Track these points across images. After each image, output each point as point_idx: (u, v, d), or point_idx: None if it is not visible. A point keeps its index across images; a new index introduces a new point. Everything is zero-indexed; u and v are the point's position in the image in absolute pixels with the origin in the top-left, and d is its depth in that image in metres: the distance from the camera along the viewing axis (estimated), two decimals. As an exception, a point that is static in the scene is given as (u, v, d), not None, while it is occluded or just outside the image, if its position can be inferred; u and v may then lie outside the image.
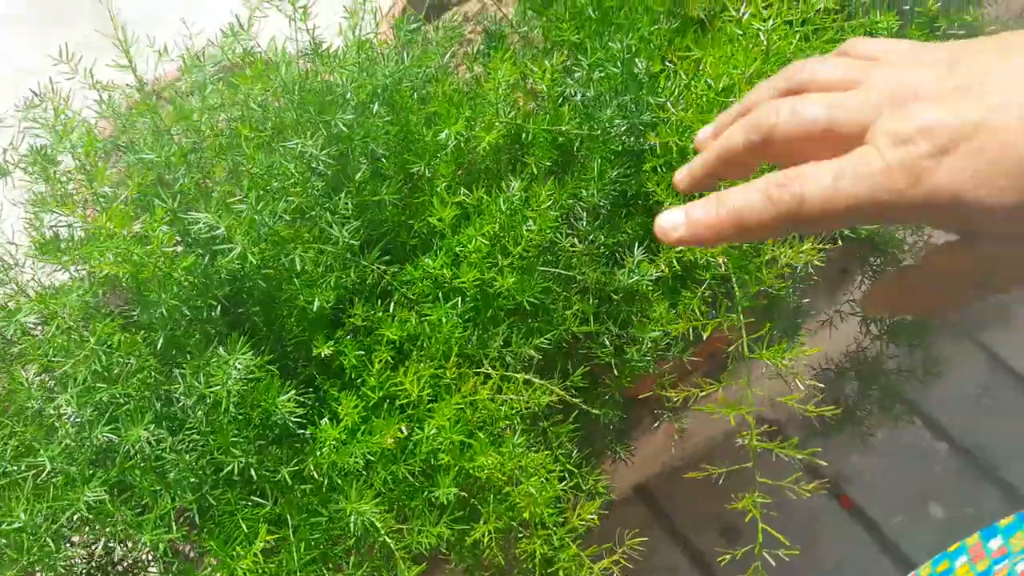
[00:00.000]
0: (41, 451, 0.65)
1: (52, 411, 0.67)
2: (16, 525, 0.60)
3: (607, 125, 0.80)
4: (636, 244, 0.80)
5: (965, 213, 0.32)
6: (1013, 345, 1.51)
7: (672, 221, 0.38)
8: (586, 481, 0.70)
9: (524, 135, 0.81)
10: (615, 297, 0.77)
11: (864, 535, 1.36)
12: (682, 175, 0.44)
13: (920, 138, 0.32)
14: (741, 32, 0.77)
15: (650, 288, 0.76)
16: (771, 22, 0.73)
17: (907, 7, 0.86)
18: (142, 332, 0.71)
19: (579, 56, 0.85)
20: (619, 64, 0.79)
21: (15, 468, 0.65)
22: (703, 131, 0.45)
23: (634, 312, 0.77)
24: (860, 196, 0.33)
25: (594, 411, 0.72)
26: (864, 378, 1.21)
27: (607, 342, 0.75)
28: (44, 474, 0.65)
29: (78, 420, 0.65)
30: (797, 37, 0.76)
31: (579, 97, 0.83)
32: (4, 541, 0.62)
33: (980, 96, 0.32)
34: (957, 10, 0.91)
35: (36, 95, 0.81)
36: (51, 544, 0.62)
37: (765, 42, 0.73)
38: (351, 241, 0.70)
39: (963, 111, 0.32)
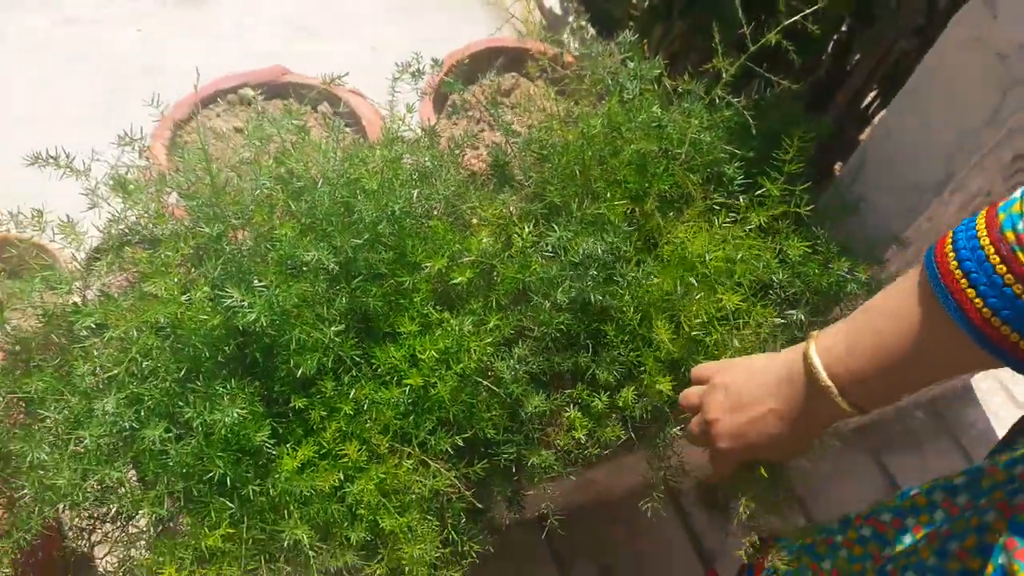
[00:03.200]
0: (84, 428, 0.91)
1: (98, 397, 0.93)
2: (61, 481, 0.86)
3: (558, 280, 1.05)
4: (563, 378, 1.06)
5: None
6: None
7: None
8: (462, 546, 0.97)
9: (495, 273, 1.06)
10: (523, 415, 1.03)
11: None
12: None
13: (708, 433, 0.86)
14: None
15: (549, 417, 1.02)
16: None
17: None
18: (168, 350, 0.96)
19: (557, 217, 1.10)
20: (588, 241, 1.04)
21: (66, 437, 0.91)
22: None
23: (535, 433, 1.02)
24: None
25: (479, 504, 0.98)
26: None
27: (509, 450, 1.01)
28: (82, 444, 0.91)
29: (115, 409, 0.91)
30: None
31: (549, 251, 1.07)
32: (48, 487, 0.88)
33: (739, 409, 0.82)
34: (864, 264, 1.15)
35: (126, 136, 1.06)
36: (80, 497, 0.88)
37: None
38: (336, 329, 0.95)
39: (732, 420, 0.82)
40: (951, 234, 0.64)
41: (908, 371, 0.68)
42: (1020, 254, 0.57)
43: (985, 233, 0.60)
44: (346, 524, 0.93)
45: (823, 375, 0.73)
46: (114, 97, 1.90)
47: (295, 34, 2.27)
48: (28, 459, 0.89)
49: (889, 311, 0.69)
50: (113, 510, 1.00)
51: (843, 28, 1.70)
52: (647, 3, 1.93)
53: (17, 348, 1.04)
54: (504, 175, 1.22)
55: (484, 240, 1.01)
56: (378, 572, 0.91)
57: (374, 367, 1.01)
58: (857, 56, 1.71)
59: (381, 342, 1.03)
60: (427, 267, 1.01)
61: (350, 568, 0.92)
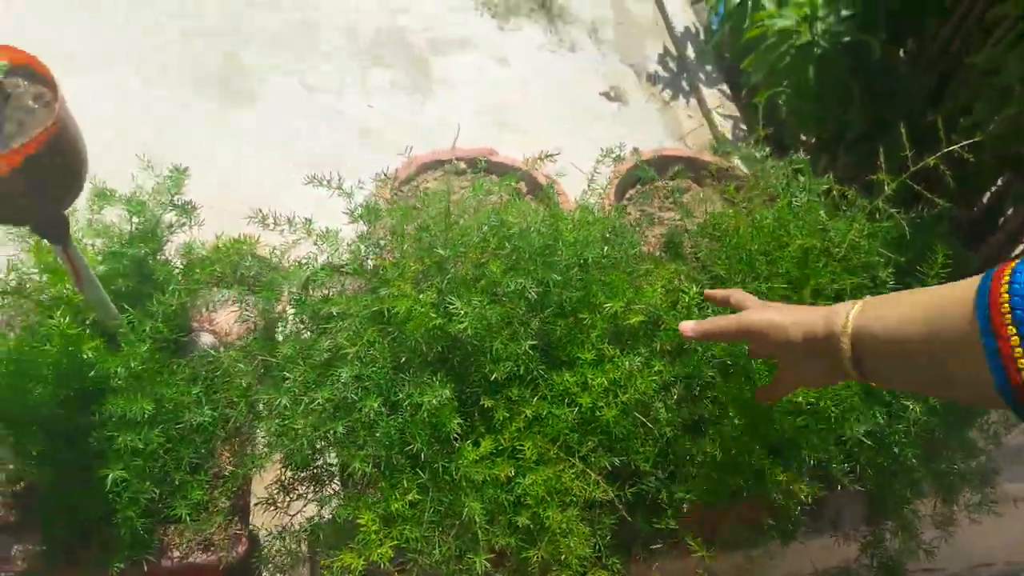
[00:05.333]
0: (319, 391, 1.12)
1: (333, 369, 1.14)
2: (298, 425, 1.07)
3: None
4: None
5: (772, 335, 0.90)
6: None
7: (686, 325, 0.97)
8: (606, 558, 1.09)
9: (661, 322, 1.22)
10: (671, 455, 1.16)
11: None
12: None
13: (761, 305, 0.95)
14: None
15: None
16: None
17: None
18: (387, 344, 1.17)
19: (719, 285, 1.26)
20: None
21: (303, 398, 1.12)
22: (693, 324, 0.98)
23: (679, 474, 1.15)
24: (748, 320, 0.92)
25: (628, 517, 1.11)
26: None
27: (653, 481, 1.14)
28: (315, 404, 1.12)
29: (346, 379, 1.11)
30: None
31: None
32: (285, 431, 1.09)
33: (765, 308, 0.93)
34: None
35: (382, 174, 1.32)
36: (307, 445, 1.09)
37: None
38: (530, 343, 1.14)
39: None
40: (1014, 264, 0.61)
41: (922, 372, 0.71)
42: None
43: None
44: (512, 512, 1.08)
45: (846, 339, 0.77)
46: (340, 151, 2.25)
47: (497, 128, 2.60)
48: (275, 405, 1.10)
49: (932, 311, 0.69)
50: (319, 462, 1.20)
51: (1000, 180, 1.81)
52: (814, 139, 2.12)
53: (264, 324, 1.28)
54: (676, 251, 1.40)
55: (658, 289, 1.18)
56: (535, 557, 1.05)
57: (550, 387, 1.18)
58: (1011, 209, 1.81)
59: (558, 368, 1.21)
60: (607, 307, 1.18)
61: (511, 549, 1.06)
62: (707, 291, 1.07)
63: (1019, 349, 0.57)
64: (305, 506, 1.25)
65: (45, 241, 1.21)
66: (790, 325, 0.86)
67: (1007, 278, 0.60)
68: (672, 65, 2.97)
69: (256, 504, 1.24)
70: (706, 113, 2.72)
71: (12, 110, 0.87)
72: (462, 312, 1.13)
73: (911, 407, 1.17)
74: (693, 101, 2.84)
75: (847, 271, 1.32)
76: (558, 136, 2.51)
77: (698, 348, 1.21)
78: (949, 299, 0.67)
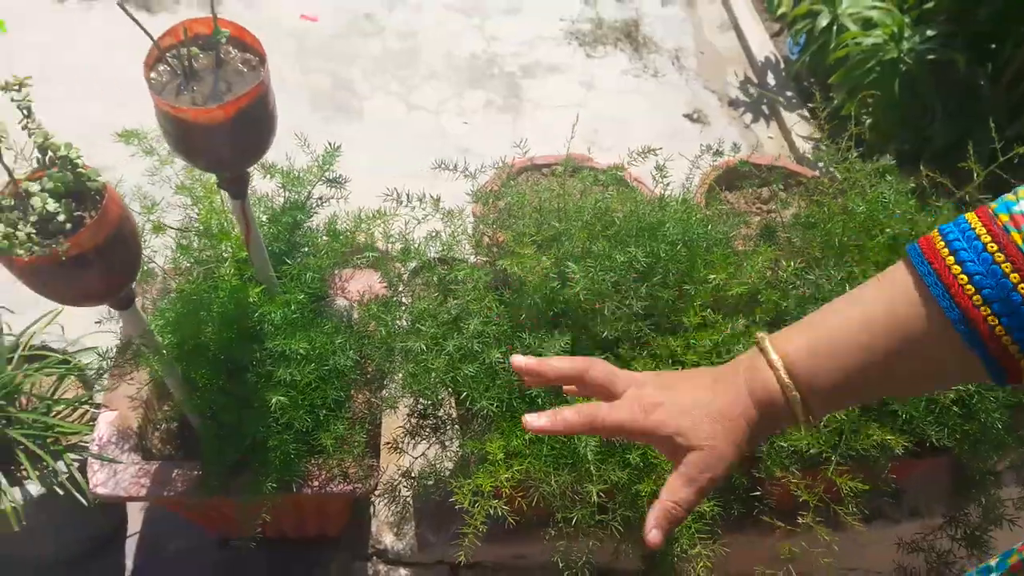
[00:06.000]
0: (448, 341, 1.26)
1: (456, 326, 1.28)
2: (437, 364, 1.21)
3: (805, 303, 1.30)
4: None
5: (662, 436, 0.64)
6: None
7: (531, 419, 0.67)
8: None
9: (760, 295, 1.33)
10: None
11: None
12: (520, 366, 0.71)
13: (646, 402, 0.65)
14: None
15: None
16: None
17: None
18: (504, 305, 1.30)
19: (814, 269, 1.36)
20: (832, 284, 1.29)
21: (433, 345, 1.26)
22: (520, 362, 0.71)
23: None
24: (621, 419, 0.65)
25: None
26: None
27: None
28: (444, 353, 1.25)
29: (475, 329, 1.25)
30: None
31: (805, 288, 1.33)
32: (423, 370, 1.23)
33: (663, 389, 0.66)
34: None
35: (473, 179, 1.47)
36: (440, 384, 1.22)
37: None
38: (642, 304, 1.26)
39: (660, 392, 0.66)
40: (937, 228, 0.60)
41: (874, 368, 0.61)
42: (1015, 235, 0.54)
43: (976, 219, 0.57)
44: (622, 451, 1.19)
45: (783, 376, 0.63)
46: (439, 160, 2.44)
47: (584, 143, 2.76)
48: (412, 349, 1.24)
49: (861, 306, 0.63)
50: (440, 412, 1.33)
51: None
52: (895, 153, 2.20)
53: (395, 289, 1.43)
54: (771, 238, 1.51)
55: (757, 264, 1.29)
56: (645, 490, 1.15)
57: (657, 350, 1.30)
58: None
59: (664, 334, 1.32)
60: (711, 278, 1.30)
61: (623, 483, 1.17)
62: (530, 361, 0.71)
63: (956, 267, 0.56)
64: (428, 448, 1.38)
65: (215, 203, 1.40)
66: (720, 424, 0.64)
67: (936, 234, 0.59)
68: (753, 91, 3.09)
69: (386, 443, 1.38)
70: (787, 134, 2.83)
71: (224, 72, 1.04)
72: (577, 276, 1.26)
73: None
74: (774, 124, 2.95)
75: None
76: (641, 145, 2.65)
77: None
78: (872, 296, 0.63)
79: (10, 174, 0.94)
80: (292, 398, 1.23)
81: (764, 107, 3.01)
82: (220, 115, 0.98)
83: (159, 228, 1.36)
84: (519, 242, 1.34)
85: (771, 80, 3.10)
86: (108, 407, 1.39)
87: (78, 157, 0.93)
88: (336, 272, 1.54)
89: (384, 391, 1.37)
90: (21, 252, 0.89)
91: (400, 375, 1.29)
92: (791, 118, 2.88)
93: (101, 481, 1.30)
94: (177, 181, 1.41)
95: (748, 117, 2.99)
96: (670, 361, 1.27)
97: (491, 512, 1.16)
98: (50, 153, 0.95)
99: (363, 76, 3.09)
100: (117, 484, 1.30)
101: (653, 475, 1.18)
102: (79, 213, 0.96)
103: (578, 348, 1.31)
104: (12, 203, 0.94)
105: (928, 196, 1.49)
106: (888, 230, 1.41)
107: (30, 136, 0.93)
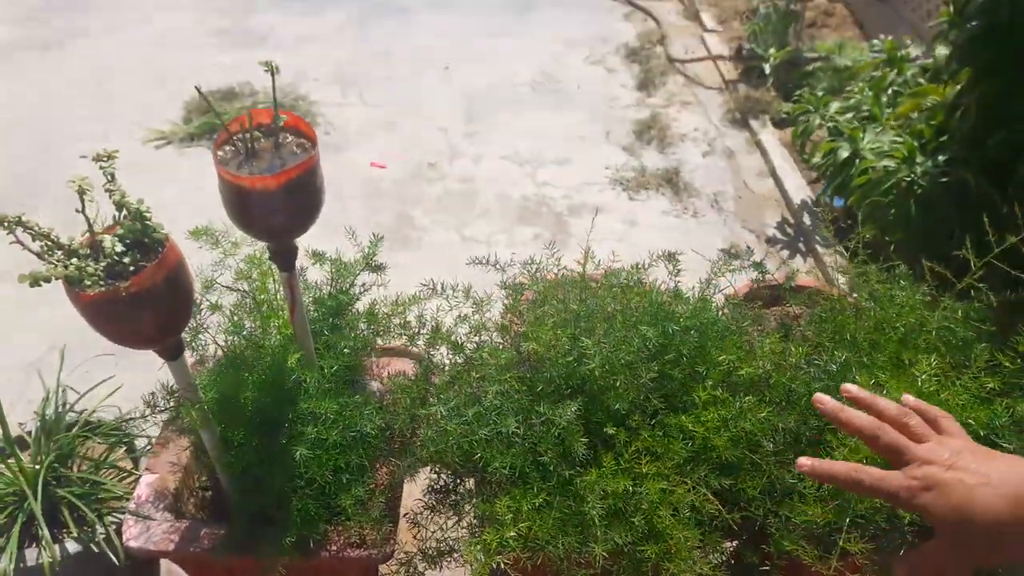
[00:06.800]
0: (469, 409, 1.33)
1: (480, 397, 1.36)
2: (450, 427, 1.28)
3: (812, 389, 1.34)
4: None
5: (928, 518, 0.71)
6: None
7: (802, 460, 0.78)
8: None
9: (771, 377, 1.37)
10: (778, 488, 1.27)
11: None
12: (826, 403, 0.81)
13: (922, 479, 0.72)
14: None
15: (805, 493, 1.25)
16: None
17: None
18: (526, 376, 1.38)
19: (822, 352, 1.41)
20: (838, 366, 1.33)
21: (453, 413, 1.33)
22: (852, 389, 0.82)
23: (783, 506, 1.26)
24: (887, 490, 0.73)
25: (734, 525, 1.21)
26: None
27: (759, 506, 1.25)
28: (465, 419, 1.32)
29: (492, 402, 1.32)
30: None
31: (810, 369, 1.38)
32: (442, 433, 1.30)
33: (956, 471, 0.72)
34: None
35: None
36: (456, 448, 1.29)
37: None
38: (651, 376, 1.32)
39: (944, 475, 0.71)
40: None
41: None
42: None
43: None
44: (629, 514, 1.21)
45: None
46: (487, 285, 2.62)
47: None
48: (434, 413, 1.32)
49: None
50: (460, 488, 1.38)
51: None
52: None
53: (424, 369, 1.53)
54: (787, 333, 1.56)
55: (767, 347, 1.35)
56: (650, 552, 1.17)
57: (667, 427, 1.34)
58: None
59: (676, 413, 1.37)
60: (721, 359, 1.36)
61: (627, 546, 1.19)
62: (849, 388, 0.83)
63: None
64: (445, 522, 1.42)
65: (269, 281, 1.55)
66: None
67: None
68: (790, 231, 3.22)
69: (404, 515, 1.42)
70: (822, 267, 2.90)
71: (280, 153, 1.22)
72: (591, 351, 1.34)
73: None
74: (811, 260, 3.04)
75: (944, 345, 1.44)
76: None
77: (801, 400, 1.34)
78: None
79: (90, 226, 1.10)
80: (317, 456, 1.31)
81: (801, 244, 3.11)
82: (273, 183, 1.14)
83: (215, 308, 1.51)
84: (541, 323, 1.44)
85: (807, 221, 3.22)
86: (150, 471, 1.49)
87: (147, 211, 1.10)
88: (374, 360, 1.65)
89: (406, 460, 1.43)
90: (88, 284, 1.04)
91: (420, 439, 1.36)
92: (826, 254, 2.97)
93: (134, 535, 1.37)
94: (238, 268, 1.58)
95: (785, 253, 3.10)
96: (680, 435, 1.31)
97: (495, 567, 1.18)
98: (124, 211, 1.12)
99: (423, 213, 3.35)
100: (148, 539, 1.37)
101: (659, 541, 1.19)
102: (143, 263, 1.11)
103: (592, 424, 1.36)
104: (88, 251, 1.11)
105: (939, 294, 1.54)
106: (898, 325, 1.46)
107: (110, 197, 1.11)
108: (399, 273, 1.57)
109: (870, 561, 1.18)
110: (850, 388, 0.82)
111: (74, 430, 1.61)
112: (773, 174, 3.60)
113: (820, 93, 3.22)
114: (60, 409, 1.62)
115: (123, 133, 3.78)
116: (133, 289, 1.05)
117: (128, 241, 1.11)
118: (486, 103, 4.22)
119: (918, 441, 0.76)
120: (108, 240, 1.07)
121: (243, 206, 1.17)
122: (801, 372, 1.39)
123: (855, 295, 1.80)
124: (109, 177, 1.11)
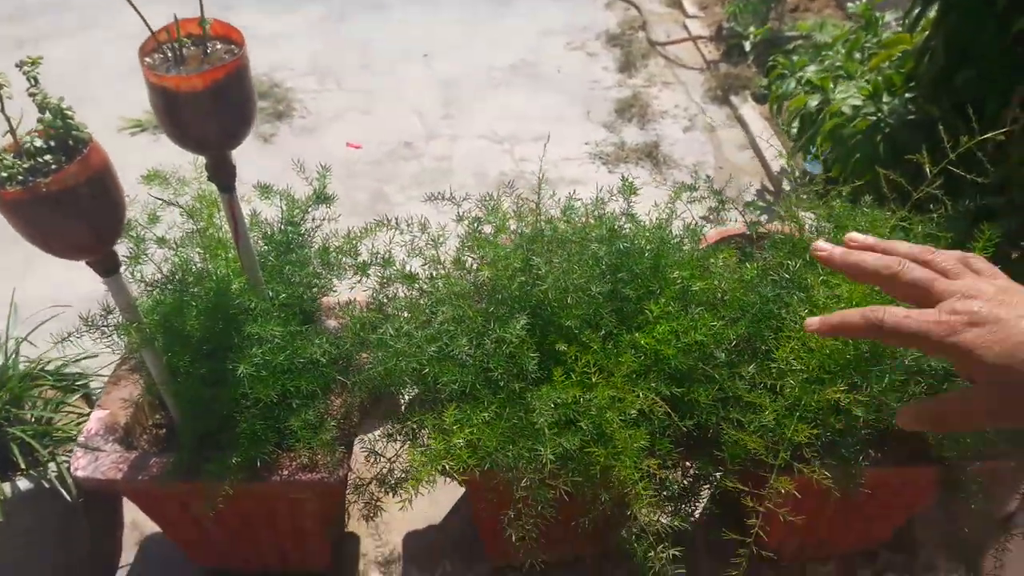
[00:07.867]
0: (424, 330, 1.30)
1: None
2: (397, 347, 1.25)
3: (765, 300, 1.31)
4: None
5: (968, 361, 0.56)
6: None
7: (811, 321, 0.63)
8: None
9: (724, 296, 1.35)
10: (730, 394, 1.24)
11: None
12: (828, 249, 0.65)
13: (965, 314, 0.57)
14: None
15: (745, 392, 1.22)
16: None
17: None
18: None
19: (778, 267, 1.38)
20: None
21: (413, 330, 1.31)
22: (858, 237, 0.66)
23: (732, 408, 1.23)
24: (915, 330, 0.58)
25: (682, 425, 1.18)
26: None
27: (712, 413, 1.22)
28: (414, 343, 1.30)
29: (441, 323, 1.29)
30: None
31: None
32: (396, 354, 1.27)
33: (1008, 308, 0.57)
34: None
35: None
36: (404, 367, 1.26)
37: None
38: (601, 289, 1.29)
39: (995, 310, 0.56)
40: None
41: None
42: None
43: None
44: (578, 421, 1.18)
45: None
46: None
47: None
48: (387, 333, 1.29)
49: None
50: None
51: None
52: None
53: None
54: (744, 257, 1.54)
55: (722, 259, 1.33)
56: (598, 455, 1.14)
57: (620, 342, 1.31)
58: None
59: (628, 331, 1.34)
60: (675, 275, 1.33)
61: (574, 452, 1.16)
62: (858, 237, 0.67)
63: None
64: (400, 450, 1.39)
65: (217, 215, 1.53)
66: None
67: None
68: (769, 197, 3.19)
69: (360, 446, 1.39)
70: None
71: (209, 59, 1.19)
72: (543, 272, 1.31)
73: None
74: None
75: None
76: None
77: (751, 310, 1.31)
78: None
79: (11, 127, 1.08)
80: (263, 378, 1.28)
81: (779, 209, 3.09)
82: (199, 83, 1.12)
83: (162, 241, 1.49)
84: (495, 247, 1.42)
85: (787, 187, 3.20)
86: (101, 407, 1.46)
87: (69, 109, 1.07)
88: (327, 298, 1.63)
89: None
90: (7, 177, 1.01)
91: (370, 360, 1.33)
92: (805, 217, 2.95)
93: (82, 466, 1.34)
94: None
95: (764, 219, 3.07)
96: (631, 348, 1.28)
97: (442, 468, 1.15)
98: (47, 112, 1.09)
99: (398, 190, 3.33)
100: (97, 468, 1.34)
101: (607, 444, 1.16)
102: (68, 165, 1.09)
103: (545, 343, 1.34)
104: (12, 157, 1.08)
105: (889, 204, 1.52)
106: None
107: (33, 99, 1.09)
108: (370, 247, 1.54)
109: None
110: (855, 236, 0.66)
111: (27, 378, 1.58)
112: (753, 145, 3.59)
113: (796, 58, 3.20)
114: (12, 357, 1.60)
115: (98, 122, 3.76)
116: (54, 187, 1.03)
117: (52, 144, 1.08)
118: (464, 88, 4.21)
119: (950, 278, 0.62)
120: (28, 137, 1.05)
121: (172, 111, 1.15)
122: (755, 287, 1.37)
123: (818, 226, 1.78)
124: (32, 81, 1.08)
